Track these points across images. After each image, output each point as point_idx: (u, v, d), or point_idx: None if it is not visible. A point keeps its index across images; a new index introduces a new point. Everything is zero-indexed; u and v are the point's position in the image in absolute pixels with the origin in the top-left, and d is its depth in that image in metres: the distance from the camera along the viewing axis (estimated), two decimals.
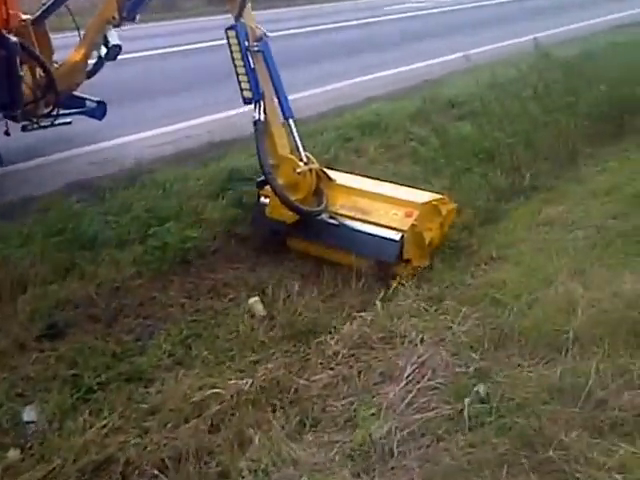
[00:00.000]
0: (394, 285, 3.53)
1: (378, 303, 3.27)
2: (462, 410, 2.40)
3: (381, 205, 4.05)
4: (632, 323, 2.75)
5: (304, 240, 4.21)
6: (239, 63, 4.01)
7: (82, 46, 4.92)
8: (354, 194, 4.18)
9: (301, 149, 4.10)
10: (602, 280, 3.18)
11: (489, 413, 2.37)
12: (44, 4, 4.96)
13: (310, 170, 4.07)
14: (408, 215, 3.93)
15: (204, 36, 9.44)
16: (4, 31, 4.31)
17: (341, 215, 4.10)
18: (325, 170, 4.20)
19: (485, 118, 5.80)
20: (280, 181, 4.01)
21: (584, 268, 3.33)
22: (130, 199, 4.35)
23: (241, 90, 4.04)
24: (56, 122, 4.87)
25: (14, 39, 4.32)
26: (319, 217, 4.10)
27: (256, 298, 3.63)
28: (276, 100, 4.08)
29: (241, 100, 4.06)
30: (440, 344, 2.82)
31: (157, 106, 6.47)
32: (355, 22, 12.68)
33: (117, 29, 4.83)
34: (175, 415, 2.66)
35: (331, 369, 2.92)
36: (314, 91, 7.16)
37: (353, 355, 2.98)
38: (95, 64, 5.03)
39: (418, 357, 2.76)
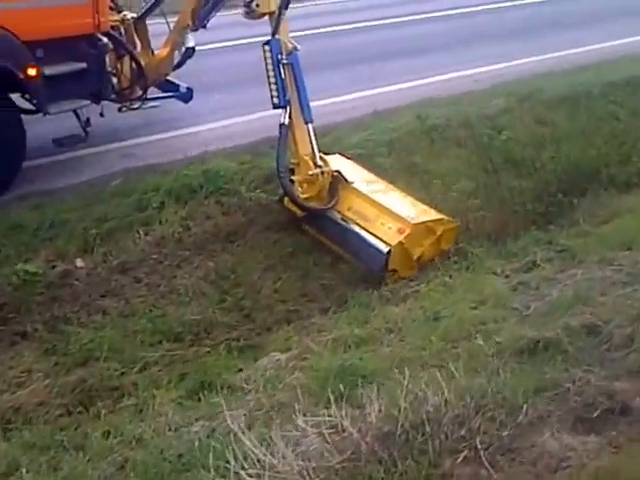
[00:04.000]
0: None
1: None
2: None
3: (381, 216, 4.60)
4: None
5: (315, 229, 4.92)
6: (271, 73, 4.77)
7: (166, 46, 6.06)
8: (363, 200, 4.76)
9: (317, 152, 4.75)
10: None
11: None
12: (145, 6, 6.21)
13: (322, 173, 4.75)
14: (400, 232, 4.48)
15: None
16: (97, 34, 5.16)
17: (346, 217, 4.73)
18: (342, 172, 4.83)
19: None
20: (299, 177, 4.76)
21: None
22: None
23: (271, 97, 4.80)
24: (144, 105, 5.80)
25: (105, 40, 5.20)
26: (326, 214, 4.74)
27: None
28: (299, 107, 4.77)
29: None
30: None
31: None
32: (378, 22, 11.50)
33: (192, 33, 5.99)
34: None
35: None
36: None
37: None
38: (179, 60, 6.17)
39: None
